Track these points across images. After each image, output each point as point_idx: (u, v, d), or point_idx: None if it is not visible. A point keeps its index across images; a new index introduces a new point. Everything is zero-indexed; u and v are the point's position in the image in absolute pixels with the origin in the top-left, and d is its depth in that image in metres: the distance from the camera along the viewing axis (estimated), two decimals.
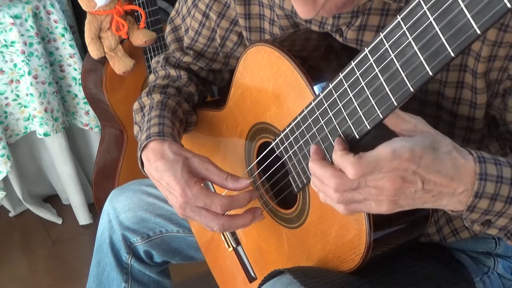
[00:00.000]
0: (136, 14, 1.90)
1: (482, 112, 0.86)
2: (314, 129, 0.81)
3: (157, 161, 0.95)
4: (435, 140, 0.71)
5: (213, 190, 1.12)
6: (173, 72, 1.14)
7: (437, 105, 0.88)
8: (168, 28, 1.17)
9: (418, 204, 0.73)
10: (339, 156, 0.73)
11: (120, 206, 1.23)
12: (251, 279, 1.12)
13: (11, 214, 2.36)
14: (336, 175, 0.73)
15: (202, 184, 0.94)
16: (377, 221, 0.82)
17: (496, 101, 0.85)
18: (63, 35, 2.02)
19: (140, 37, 1.87)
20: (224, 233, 1.15)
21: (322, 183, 0.76)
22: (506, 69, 0.81)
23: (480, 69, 0.81)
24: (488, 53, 0.80)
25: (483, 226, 0.75)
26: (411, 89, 0.66)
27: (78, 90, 2.11)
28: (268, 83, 0.92)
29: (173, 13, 1.17)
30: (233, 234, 1.14)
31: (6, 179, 2.13)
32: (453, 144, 0.72)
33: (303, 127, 0.84)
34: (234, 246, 1.13)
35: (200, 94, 1.16)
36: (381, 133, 0.74)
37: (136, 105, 1.13)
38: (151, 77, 1.19)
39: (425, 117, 0.75)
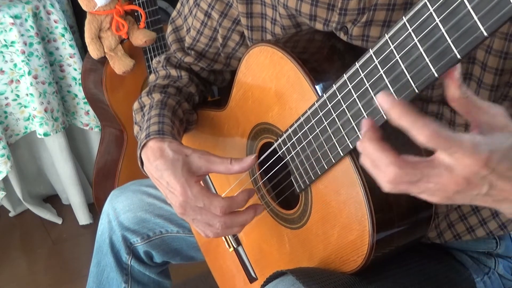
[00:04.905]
0: (136, 14, 1.90)
1: None
2: (317, 130, 0.81)
3: (156, 160, 0.94)
4: None
5: (214, 192, 1.12)
6: (174, 72, 1.14)
7: (439, 104, 0.88)
8: (169, 29, 1.17)
9: (474, 202, 0.66)
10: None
11: (120, 206, 1.23)
12: (251, 279, 1.12)
13: (11, 214, 2.36)
14: (397, 164, 0.63)
15: (202, 184, 0.94)
16: (380, 223, 0.81)
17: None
18: (63, 35, 2.02)
19: (140, 37, 1.87)
20: None
21: (375, 167, 0.66)
22: None
23: (487, 79, 0.81)
24: (496, 65, 0.79)
25: None
26: (416, 90, 0.66)
27: (78, 90, 2.11)
28: (271, 83, 0.92)
29: (174, 13, 1.17)
30: (234, 234, 1.13)
31: (6, 179, 2.13)
32: None
33: (306, 128, 0.83)
34: (235, 246, 1.13)
35: (200, 94, 1.16)
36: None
37: (136, 105, 1.13)
38: (152, 76, 1.18)
39: (427, 115, 0.73)
